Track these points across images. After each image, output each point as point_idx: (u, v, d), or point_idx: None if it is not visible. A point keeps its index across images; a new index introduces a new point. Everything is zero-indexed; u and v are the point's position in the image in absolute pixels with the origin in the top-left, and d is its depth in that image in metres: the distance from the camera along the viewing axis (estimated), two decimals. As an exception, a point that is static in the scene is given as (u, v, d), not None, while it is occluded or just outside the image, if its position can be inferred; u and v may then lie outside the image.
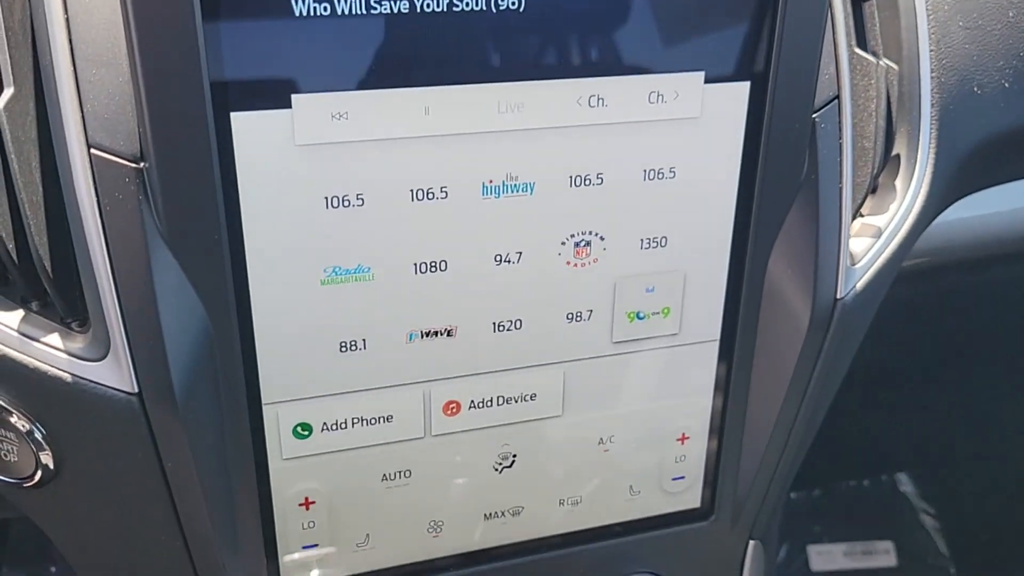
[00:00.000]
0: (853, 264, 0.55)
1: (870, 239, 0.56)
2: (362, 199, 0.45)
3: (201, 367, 0.45)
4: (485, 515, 0.56)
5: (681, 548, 0.61)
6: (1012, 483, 1.51)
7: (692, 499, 0.60)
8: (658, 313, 0.53)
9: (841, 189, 0.52)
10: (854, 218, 0.57)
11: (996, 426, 1.49)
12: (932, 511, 1.69)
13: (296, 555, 0.53)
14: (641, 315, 0.53)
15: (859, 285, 0.55)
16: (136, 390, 0.44)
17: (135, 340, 0.43)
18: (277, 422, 0.49)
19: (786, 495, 0.65)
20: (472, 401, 0.52)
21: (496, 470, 0.55)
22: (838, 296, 0.54)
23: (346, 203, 0.45)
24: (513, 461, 0.55)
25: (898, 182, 0.58)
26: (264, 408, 0.48)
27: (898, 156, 0.59)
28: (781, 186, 0.51)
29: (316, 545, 0.53)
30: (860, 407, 1.50)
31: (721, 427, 0.58)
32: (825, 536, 1.66)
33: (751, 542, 0.63)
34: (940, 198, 0.60)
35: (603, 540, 0.59)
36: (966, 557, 1.63)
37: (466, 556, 0.57)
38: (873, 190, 0.59)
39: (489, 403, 0.52)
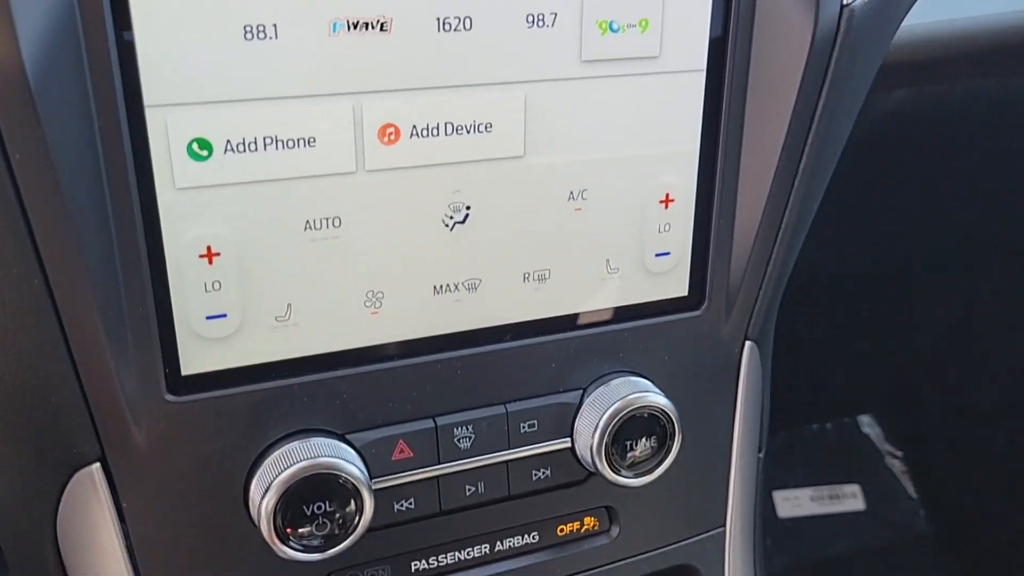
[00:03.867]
0: (859, -30, 0.47)
1: (874, -50, 0.48)
2: None
3: (61, 42, 0.34)
4: (435, 288, 0.46)
5: (667, 344, 0.51)
6: (977, 420, 1.45)
7: (679, 285, 0.51)
8: (634, 26, 0.44)
9: None
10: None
11: (956, 363, 1.44)
12: (897, 453, 1.63)
13: (198, 327, 0.42)
14: (615, 26, 0.44)
15: (867, -6, 0.47)
16: None
17: None
18: (166, 133, 0.38)
19: (782, 292, 0.56)
20: (414, 127, 0.42)
21: (446, 224, 0.45)
22: (845, 1, 0.45)
23: None
24: (467, 215, 0.45)
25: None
26: (147, 111, 0.38)
27: None
28: None
29: (224, 315, 0.42)
30: (819, 349, 1.43)
31: (711, 186, 0.49)
32: (790, 481, 1.58)
33: (747, 343, 0.54)
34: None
35: (575, 330, 0.49)
36: (934, 498, 1.57)
37: (412, 343, 0.46)
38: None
39: (435, 131, 0.43)
